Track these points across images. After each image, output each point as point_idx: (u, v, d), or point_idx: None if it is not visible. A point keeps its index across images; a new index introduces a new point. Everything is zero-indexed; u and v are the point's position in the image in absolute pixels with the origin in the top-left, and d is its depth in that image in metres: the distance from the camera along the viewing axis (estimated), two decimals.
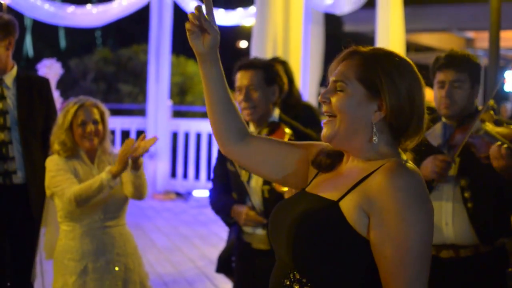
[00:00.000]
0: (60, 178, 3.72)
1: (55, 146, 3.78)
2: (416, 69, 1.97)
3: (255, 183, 3.69)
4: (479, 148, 3.22)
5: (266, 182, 3.63)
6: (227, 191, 3.88)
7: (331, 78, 1.98)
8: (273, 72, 3.77)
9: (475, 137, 3.23)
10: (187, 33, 2.03)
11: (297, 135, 3.66)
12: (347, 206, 1.88)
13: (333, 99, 1.95)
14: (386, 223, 1.82)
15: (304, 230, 1.90)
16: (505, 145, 3.04)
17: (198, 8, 1.99)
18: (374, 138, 1.92)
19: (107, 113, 3.87)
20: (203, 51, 2.04)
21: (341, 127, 1.94)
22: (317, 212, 1.92)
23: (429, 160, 3.30)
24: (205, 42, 2.03)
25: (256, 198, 3.69)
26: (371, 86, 1.92)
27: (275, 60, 4.92)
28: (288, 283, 1.92)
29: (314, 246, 1.88)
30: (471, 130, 3.20)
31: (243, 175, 3.71)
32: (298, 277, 1.91)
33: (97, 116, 3.79)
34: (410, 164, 1.91)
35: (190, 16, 2.01)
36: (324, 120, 2.02)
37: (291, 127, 3.73)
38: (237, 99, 3.69)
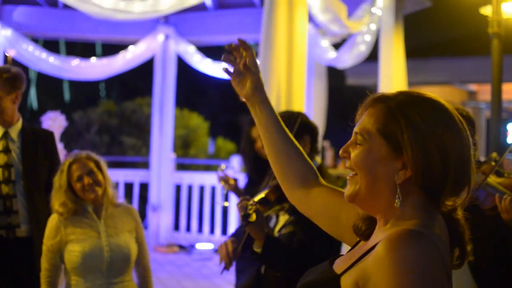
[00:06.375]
0: (45, 261, 3.74)
1: (57, 208, 3.74)
2: (454, 115, 1.67)
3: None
4: (483, 201, 3.22)
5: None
6: None
7: (354, 129, 1.73)
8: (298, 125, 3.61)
9: (478, 190, 3.23)
10: (232, 81, 2.01)
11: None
12: (346, 282, 1.60)
13: (352, 154, 1.69)
14: None
15: None
16: (509, 197, 3.07)
17: (239, 44, 1.98)
18: (397, 201, 1.61)
19: (102, 161, 3.84)
20: (248, 95, 1.99)
21: (362, 187, 1.66)
22: (317, 284, 1.69)
23: None
24: (247, 85, 1.98)
25: None
26: (393, 141, 1.63)
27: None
28: None
29: None
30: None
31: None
32: None
33: (92, 166, 3.76)
34: (428, 233, 1.56)
35: (227, 47, 1.98)
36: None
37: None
38: None
